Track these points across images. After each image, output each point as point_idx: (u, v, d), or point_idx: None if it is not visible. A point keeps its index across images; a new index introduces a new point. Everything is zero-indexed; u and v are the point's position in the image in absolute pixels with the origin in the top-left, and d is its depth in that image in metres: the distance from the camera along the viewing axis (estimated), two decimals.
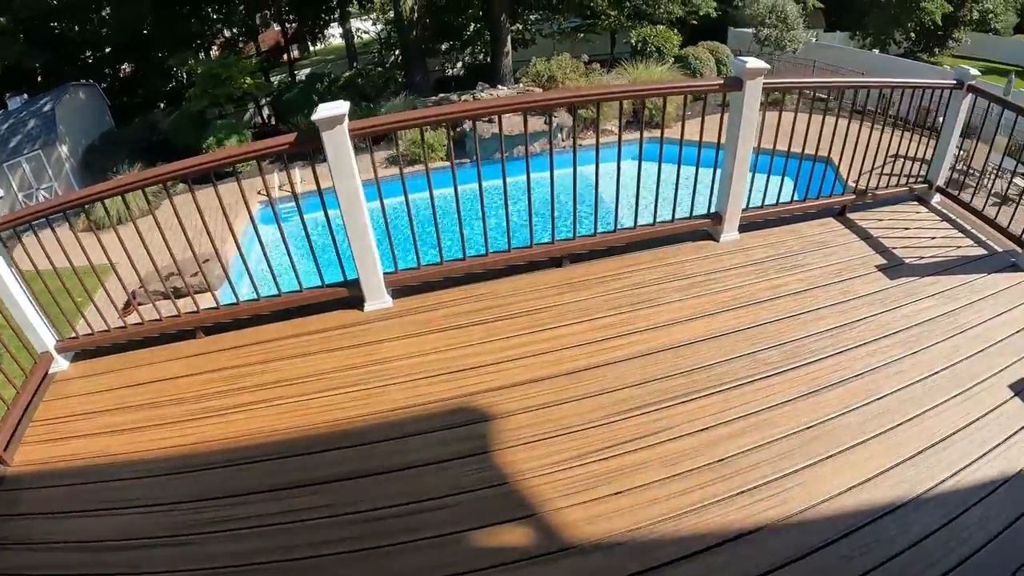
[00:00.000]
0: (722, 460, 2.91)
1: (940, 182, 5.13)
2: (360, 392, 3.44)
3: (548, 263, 4.40)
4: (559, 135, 14.35)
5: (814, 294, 4.05)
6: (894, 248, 4.51)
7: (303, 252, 4.08)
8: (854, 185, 4.92)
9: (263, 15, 26.48)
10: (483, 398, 3.32)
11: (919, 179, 5.15)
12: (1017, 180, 9.90)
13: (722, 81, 4.16)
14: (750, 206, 4.71)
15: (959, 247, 4.56)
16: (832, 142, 4.56)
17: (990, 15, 31.16)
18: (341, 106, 3.43)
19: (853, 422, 3.12)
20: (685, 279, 4.22)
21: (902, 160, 5.01)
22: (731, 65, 18.34)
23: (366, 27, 31.07)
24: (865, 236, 4.66)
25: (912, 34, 28.40)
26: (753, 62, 3.97)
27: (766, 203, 4.76)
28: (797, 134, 4.48)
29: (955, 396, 3.27)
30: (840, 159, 4.11)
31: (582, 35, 23.45)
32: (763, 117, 4.25)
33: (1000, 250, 4.51)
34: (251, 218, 3.79)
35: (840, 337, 3.67)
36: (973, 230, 4.76)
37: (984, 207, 4.84)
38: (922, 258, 4.42)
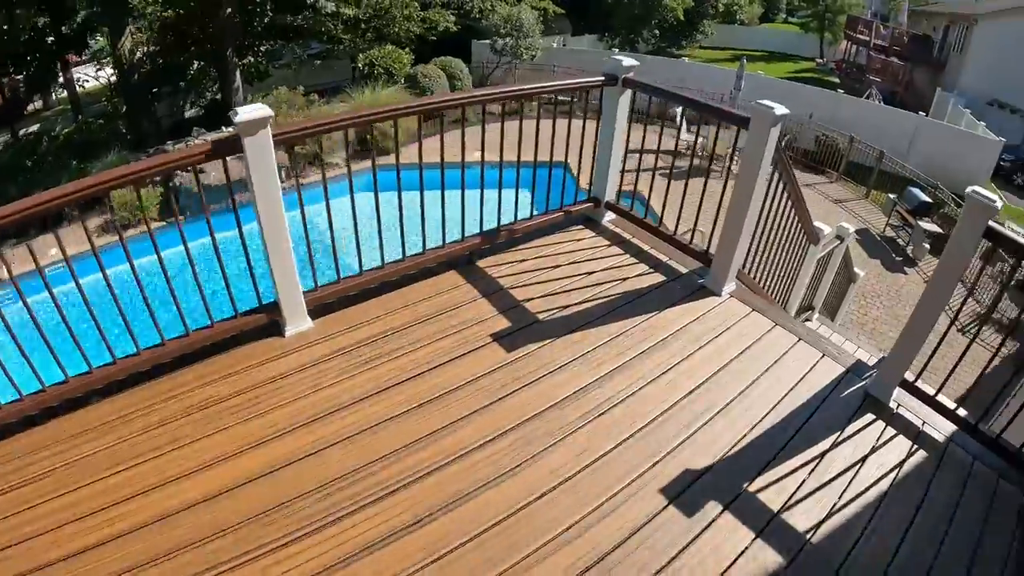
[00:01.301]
0: None
1: (610, 197, 4.90)
2: None
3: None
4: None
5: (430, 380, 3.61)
6: (557, 289, 4.32)
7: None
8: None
9: None
10: None
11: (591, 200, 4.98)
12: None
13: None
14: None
15: (633, 276, 4.47)
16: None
17: (735, 7, 36.19)
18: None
19: None
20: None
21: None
22: (465, 80, 19.32)
23: (95, 74, 24.96)
24: (498, 287, 4.33)
25: (657, 31, 30.78)
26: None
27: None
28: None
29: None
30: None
31: (319, 62, 22.56)
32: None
33: (684, 270, 4.51)
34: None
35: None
36: (652, 250, 4.71)
37: (660, 221, 4.92)
38: (601, 294, 4.29)
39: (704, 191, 4.36)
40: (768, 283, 5.23)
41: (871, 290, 12.86)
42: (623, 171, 4.77)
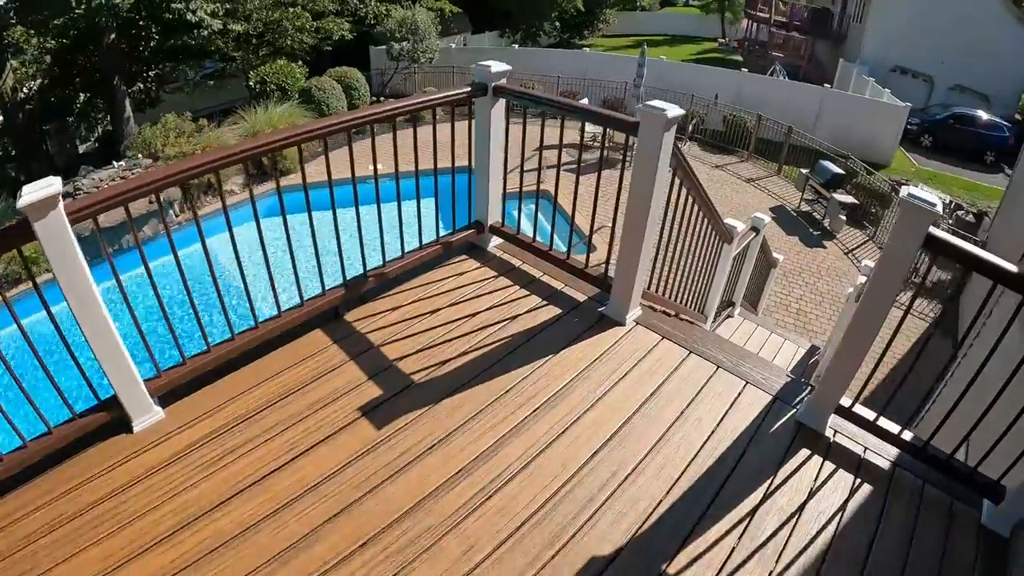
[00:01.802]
0: None
1: (494, 219, 4.29)
2: None
3: None
4: (170, 211, 12.39)
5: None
6: (437, 339, 3.67)
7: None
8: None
9: None
10: None
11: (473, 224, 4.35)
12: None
13: None
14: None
15: (524, 312, 3.86)
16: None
17: None
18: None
19: None
20: None
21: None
22: (362, 90, 18.28)
23: None
24: (368, 345, 3.63)
25: (558, 23, 31.38)
26: None
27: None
28: None
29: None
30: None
31: (212, 83, 21.26)
32: None
33: (582, 298, 3.96)
34: None
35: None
36: (544, 276, 4.15)
37: (572, 221, 4.47)
38: (488, 339, 3.68)
39: (597, 187, 3.79)
40: (681, 293, 4.74)
41: (792, 268, 12.72)
42: (523, 171, 4.20)
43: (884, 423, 3.23)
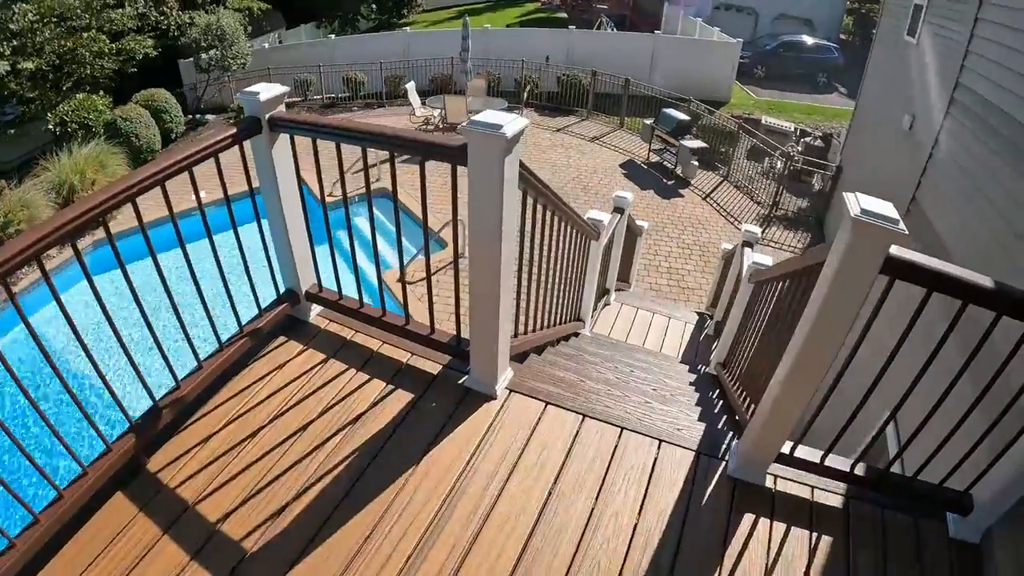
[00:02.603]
0: None
1: (307, 284, 3.31)
2: None
3: None
4: None
5: None
6: (266, 474, 2.63)
7: None
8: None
9: None
10: None
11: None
12: None
13: None
14: None
15: (368, 406, 2.89)
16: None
17: None
18: None
19: None
20: None
21: None
22: (174, 112, 16.14)
23: None
24: (181, 505, 2.56)
25: (375, 5, 30.99)
26: None
27: None
28: None
29: None
30: None
31: (13, 131, 17.48)
32: None
33: (436, 370, 3.09)
34: None
35: None
36: (384, 347, 3.23)
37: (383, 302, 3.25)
38: (329, 460, 2.69)
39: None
40: (551, 314, 3.98)
41: (654, 224, 12.39)
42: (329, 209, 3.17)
43: (833, 461, 2.63)
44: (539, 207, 3.06)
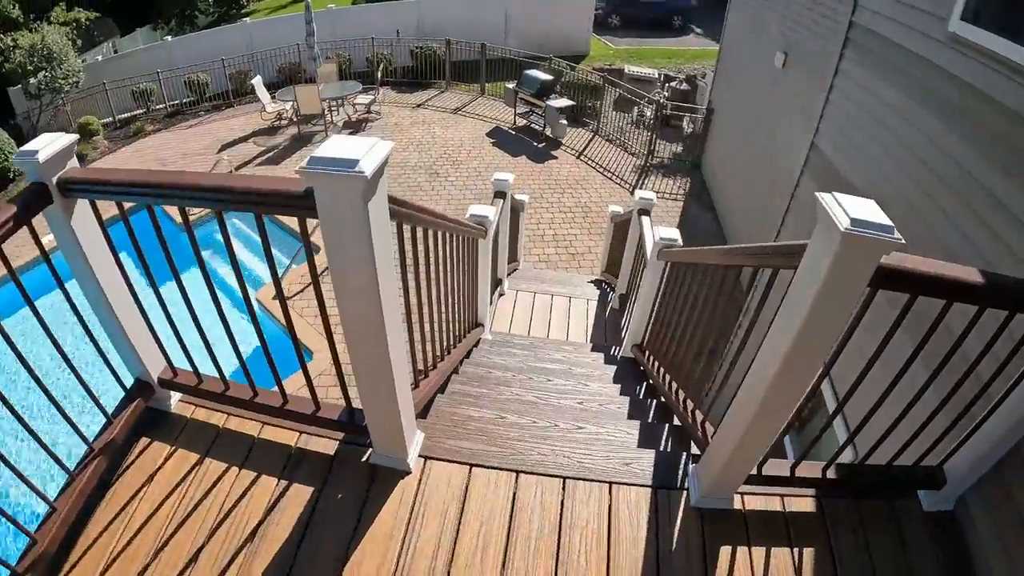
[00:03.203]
0: None
1: (156, 370, 2.61)
2: None
3: None
4: None
5: None
6: None
7: None
8: None
9: None
10: None
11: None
12: None
13: None
14: None
15: (258, 513, 2.30)
16: None
17: None
18: None
19: None
20: None
21: None
22: (7, 147, 13.87)
23: None
24: None
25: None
26: None
27: None
28: None
29: None
30: None
31: None
32: None
33: (331, 450, 2.54)
34: None
35: None
36: (265, 431, 2.61)
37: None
38: None
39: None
40: (445, 335, 3.49)
41: (533, 191, 12.02)
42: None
43: (805, 468, 2.35)
44: (419, 232, 2.55)
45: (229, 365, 2.56)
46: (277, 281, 2.18)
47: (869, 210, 1.45)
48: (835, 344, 1.77)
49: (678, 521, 2.31)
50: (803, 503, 2.42)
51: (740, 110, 10.93)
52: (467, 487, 2.38)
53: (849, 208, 1.45)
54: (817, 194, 1.54)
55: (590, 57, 19.90)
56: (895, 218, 1.47)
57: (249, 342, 2.43)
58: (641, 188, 12.31)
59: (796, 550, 2.27)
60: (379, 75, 15.69)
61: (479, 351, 4.52)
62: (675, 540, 2.25)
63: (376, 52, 17.59)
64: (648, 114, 14.21)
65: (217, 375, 2.55)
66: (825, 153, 5.92)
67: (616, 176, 12.82)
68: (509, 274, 6.98)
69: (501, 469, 2.44)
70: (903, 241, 1.44)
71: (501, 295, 6.39)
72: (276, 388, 2.46)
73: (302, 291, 8.57)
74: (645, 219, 4.80)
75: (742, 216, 10.15)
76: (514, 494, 2.37)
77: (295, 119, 14.13)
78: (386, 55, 17.61)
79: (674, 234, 3.94)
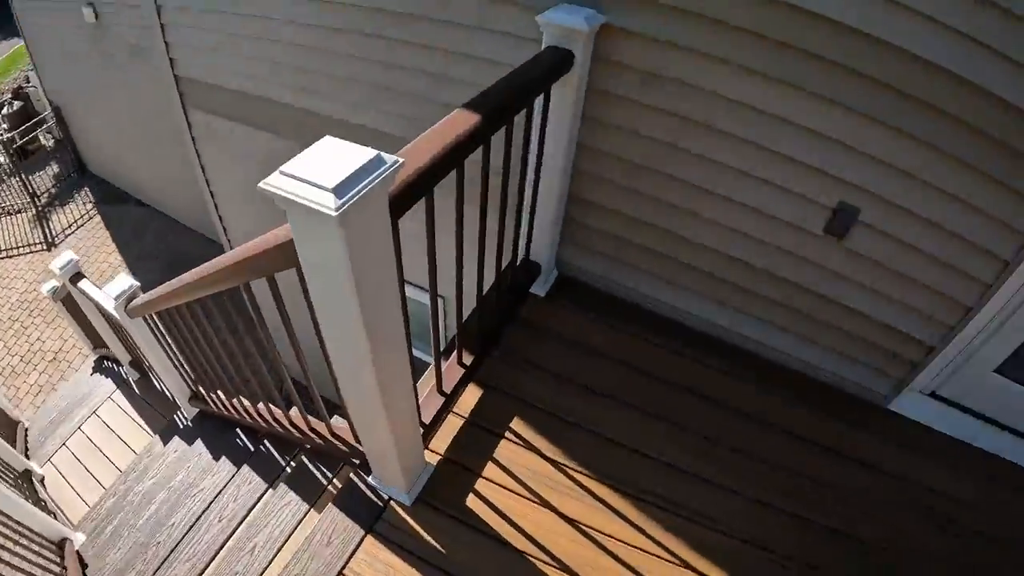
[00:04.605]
0: None
1: None
2: None
3: None
4: None
5: None
6: None
7: None
8: None
9: None
10: None
11: None
12: None
13: None
14: None
15: None
16: None
17: None
18: None
19: None
20: None
21: None
22: None
23: None
24: None
25: None
26: None
27: None
28: None
29: None
30: None
31: None
32: None
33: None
34: None
35: None
36: None
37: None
38: None
39: None
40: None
41: None
42: None
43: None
44: None
45: None
46: None
47: (340, 160, 1.06)
48: (399, 290, 1.40)
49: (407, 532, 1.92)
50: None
51: (86, 84, 9.65)
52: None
53: (319, 177, 1.04)
54: (261, 185, 1.07)
55: None
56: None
57: None
58: (54, 241, 10.26)
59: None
60: None
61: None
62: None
63: None
64: (2, 160, 11.53)
65: None
66: (194, 78, 5.36)
67: (17, 248, 10.36)
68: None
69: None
70: (401, 160, 1.11)
71: (42, 481, 4.70)
72: None
73: None
74: (83, 284, 3.77)
75: (160, 181, 9.55)
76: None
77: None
78: None
79: (124, 284, 3.09)
